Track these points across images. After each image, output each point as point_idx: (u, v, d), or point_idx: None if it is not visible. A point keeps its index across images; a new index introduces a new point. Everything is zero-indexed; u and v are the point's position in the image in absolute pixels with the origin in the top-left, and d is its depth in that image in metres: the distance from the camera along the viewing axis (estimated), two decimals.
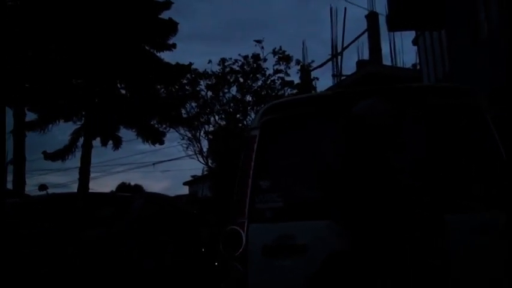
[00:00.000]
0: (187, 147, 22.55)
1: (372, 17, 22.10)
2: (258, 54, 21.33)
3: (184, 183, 35.87)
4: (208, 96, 21.70)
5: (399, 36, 28.90)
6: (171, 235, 7.90)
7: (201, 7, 59.38)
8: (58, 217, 7.07)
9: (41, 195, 8.85)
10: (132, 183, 22.90)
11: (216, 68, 21.69)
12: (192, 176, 30.65)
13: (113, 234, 6.51)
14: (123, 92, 15.46)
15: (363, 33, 22.49)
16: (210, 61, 21.45)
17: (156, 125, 18.00)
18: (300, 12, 63.18)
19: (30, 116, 14.30)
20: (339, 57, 22.05)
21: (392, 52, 21.87)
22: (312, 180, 3.83)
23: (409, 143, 3.60)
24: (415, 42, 19.24)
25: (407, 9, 15.08)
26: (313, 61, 22.31)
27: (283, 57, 21.33)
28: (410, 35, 20.24)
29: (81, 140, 14.66)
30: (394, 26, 17.02)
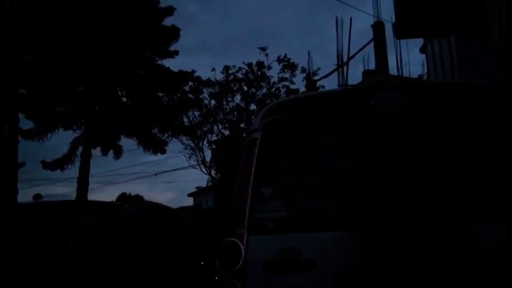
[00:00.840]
0: (190, 157, 22.19)
1: (378, 27, 21.78)
2: (263, 62, 21.05)
3: (189, 195, 35.60)
4: (212, 105, 21.38)
5: (405, 47, 28.59)
6: (167, 246, 7.53)
7: (206, 19, 59.55)
8: (44, 224, 6.83)
9: (31, 202, 8.56)
10: (133, 194, 22.56)
11: (220, 76, 21.41)
12: (197, 188, 30.26)
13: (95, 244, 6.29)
14: (124, 99, 15.18)
15: (369, 42, 22.11)
16: (213, 69, 21.20)
17: (158, 134, 17.69)
18: (304, 25, 63.20)
19: (24, 124, 13.94)
20: (345, 67, 21.70)
21: (399, 63, 21.48)
22: (320, 187, 3.47)
23: (428, 141, 3.23)
24: (422, 50, 18.89)
25: (415, 16, 14.76)
26: (319, 69, 21.93)
27: (288, 65, 21.02)
28: (416, 46, 19.92)
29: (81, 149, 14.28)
30: (401, 33, 16.66)
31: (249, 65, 20.83)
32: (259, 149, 3.65)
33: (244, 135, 21.18)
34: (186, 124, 19.43)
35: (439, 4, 14.02)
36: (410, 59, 26.45)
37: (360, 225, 3.07)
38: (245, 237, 3.43)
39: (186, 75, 15.01)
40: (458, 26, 13.42)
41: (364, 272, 2.98)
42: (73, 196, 16.96)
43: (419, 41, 19.06)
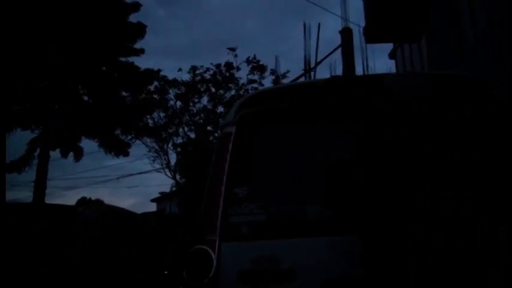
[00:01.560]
0: (154, 160, 21.51)
1: (346, 33, 21.74)
2: (231, 63, 20.60)
3: (152, 200, 34.83)
4: (177, 106, 20.78)
5: (372, 55, 28.72)
6: (128, 251, 7.03)
7: (173, 24, 58.89)
8: None
9: None
10: (94, 198, 21.75)
11: (187, 77, 20.85)
12: (160, 193, 29.54)
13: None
14: (86, 98, 14.51)
15: (337, 48, 22.07)
16: (180, 69, 20.65)
17: (121, 135, 17.02)
18: (273, 32, 63.22)
19: None
20: (312, 72, 21.52)
21: (366, 69, 21.44)
22: (302, 187, 3.07)
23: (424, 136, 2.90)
24: (392, 55, 18.83)
25: (386, 20, 14.67)
26: (288, 71, 21.63)
27: (257, 67, 20.64)
28: (385, 52, 19.93)
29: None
30: (371, 38, 16.56)
31: (217, 65, 20.38)
32: (234, 144, 3.24)
33: (211, 138, 20.70)
34: (151, 125, 18.85)
35: (410, 9, 13.94)
36: (378, 65, 26.42)
37: (357, 227, 2.69)
38: (217, 244, 3.00)
39: (152, 74, 14.49)
40: (429, 31, 13.34)
41: (366, 277, 2.60)
42: (30, 200, 16.20)
43: (387, 47, 19.05)
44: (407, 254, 2.50)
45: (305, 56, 21.93)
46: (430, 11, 13.12)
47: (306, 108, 3.27)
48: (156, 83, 18.40)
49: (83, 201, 21.07)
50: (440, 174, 2.85)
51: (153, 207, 34.72)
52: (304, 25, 21.34)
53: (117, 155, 17.34)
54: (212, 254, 2.95)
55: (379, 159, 2.82)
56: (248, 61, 20.67)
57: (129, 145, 17.71)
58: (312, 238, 2.95)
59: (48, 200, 15.81)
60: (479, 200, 2.83)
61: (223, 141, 3.29)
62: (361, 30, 16.43)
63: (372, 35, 16.01)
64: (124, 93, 15.54)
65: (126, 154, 17.75)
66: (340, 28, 23.38)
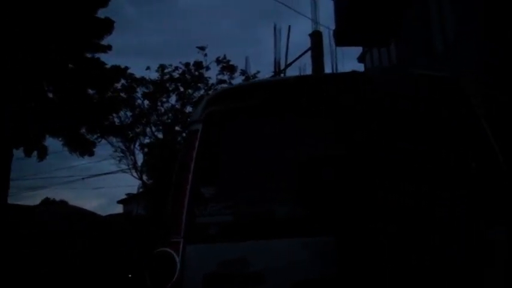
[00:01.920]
0: (120, 161, 21.07)
1: (315, 36, 21.84)
2: (201, 62, 20.33)
3: (119, 202, 34.23)
4: (145, 106, 20.41)
5: (341, 58, 28.97)
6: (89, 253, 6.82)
7: (144, 23, 58.19)
8: None
9: None
10: (58, 199, 21.24)
11: (155, 76, 20.49)
12: (127, 194, 29.01)
13: None
14: (51, 95, 14.10)
15: (307, 51, 22.17)
16: (148, 67, 20.25)
17: (86, 134, 16.60)
18: (243, 35, 63.19)
19: None
20: (282, 75, 21.50)
21: (335, 72, 21.60)
22: (272, 186, 2.95)
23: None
24: (361, 59, 18.94)
25: (356, 24, 14.72)
26: (258, 72, 21.50)
27: (227, 67, 20.42)
28: (351, 57, 20.09)
29: None
30: (341, 41, 16.63)
31: (186, 64, 20.06)
32: (200, 142, 3.10)
33: (179, 138, 20.42)
34: (117, 124, 18.46)
35: (380, 13, 14.02)
36: (347, 68, 26.64)
37: (329, 227, 2.59)
38: (181, 246, 2.86)
39: (119, 72, 14.14)
40: (399, 35, 13.43)
41: (339, 278, 2.50)
42: None
43: (357, 51, 19.17)
44: (380, 252, 2.40)
45: (275, 58, 21.89)
46: (400, 15, 13.22)
47: (276, 105, 3.16)
48: (123, 81, 18.09)
49: (46, 201, 20.56)
50: (416, 171, 2.77)
51: (119, 209, 34.18)
52: (275, 27, 21.24)
53: (82, 154, 16.93)
54: (176, 256, 2.80)
55: (351, 157, 2.73)
56: (218, 61, 20.46)
57: (94, 144, 17.31)
58: (283, 239, 2.83)
59: (11, 201, 15.34)
60: (458, 196, 2.78)
61: (190, 139, 3.15)
62: (331, 33, 16.51)
63: (342, 38, 16.07)
64: (90, 91, 15.19)
65: (91, 154, 17.34)
66: (310, 31, 23.48)
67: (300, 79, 3.34)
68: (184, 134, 20.15)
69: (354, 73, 3.15)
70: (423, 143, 2.92)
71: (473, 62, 8.48)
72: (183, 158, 3.12)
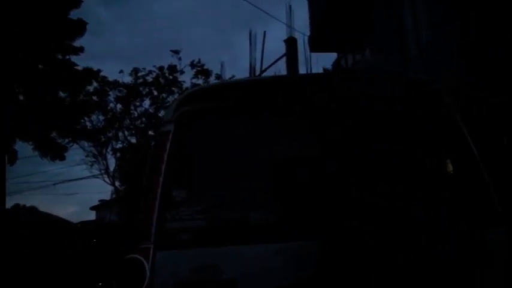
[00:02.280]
0: (92, 165, 20.67)
1: (290, 42, 21.88)
2: (175, 66, 20.12)
3: (92, 208, 33.65)
4: (118, 109, 20.08)
5: (316, 64, 29.05)
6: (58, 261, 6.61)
7: (117, 27, 57.54)
8: None
9: None
10: (28, 205, 20.69)
11: (128, 79, 20.19)
12: (100, 200, 28.53)
13: None
14: (22, 97, 13.74)
15: (282, 57, 22.17)
16: (121, 71, 19.94)
17: (57, 138, 16.23)
18: (219, 40, 63.09)
19: None
20: None
21: None
22: (247, 190, 2.86)
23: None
24: (335, 65, 19.01)
25: (330, 30, 14.81)
26: (233, 76, 21.42)
27: (202, 71, 20.24)
28: (326, 63, 20.18)
29: None
30: (316, 47, 16.71)
31: (160, 68, 19.84)
32: (172, 144, 2.97)
33: (152, 143, 20.14)
34: (89, 128, 18.11)
35: (354, 18, 14.10)
36: None
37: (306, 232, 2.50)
38: (151, 252, 2.72)
39: (91, 74, 13.86)
40: (373, 41, 13.50)
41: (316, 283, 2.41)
42: None
43: (331, 57, 19.23)
44: (361, 254, 2.32)
45: (250, 64, 21.84)
46: (373, 21, 13.29)
47: (251, 105, 3.06)
48: (95, 85, 17.77)
49: (16, 207, 20.03)
50: (390, 170, 2.71)
51: (92, 216, 33.63)
52: (250, 33, 21.21)
53: (52, 159, 16.54)
54: (145, 263, 2.67)
55: (326, 158, 2.65)
56: (192, 65, 20.28)
57: (65, 149, 16.95)
58: (257, 245, 2.73)
59: None
60: (436, 196, 2.73)
61: (161, 141, 3.03)
62: (306, 39, 16.54)
63: (316, 44, 16.16)
64: (62, 94, 14.86)
65: (62, 158, 16.97)
66: (285, 37, 23.53)
67: (275, 79, 3.26)
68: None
69: (329, 73, 3.09)
70: (398, 143, 2.87)
71: (452, 63, 8.53)
72: (154, 160, 3.00)
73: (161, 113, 20.22)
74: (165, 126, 3.08)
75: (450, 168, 3.16)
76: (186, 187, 2.92)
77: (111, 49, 47.68)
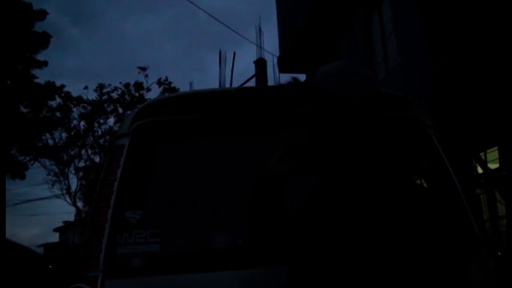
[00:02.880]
0: (53, 185, 19.97)
1: (260, 63, 21.95)
2: (141, 83, 19.73)
3: (55, 230, 32.70)
4: (81, 127, 19.52)
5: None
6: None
7: (86, 45, 56.90)
8: None
9: None
10: None
11: (93, 96, 19.67)
12: (64, 222, 27.70)
13: None
14: None
15: (251, 77, 22.16)
16: (86, 87, 19.42)
17: (18, 156, 15.61)
18: (187, 61, 63.09)
19: None
20: None
21: None
22: (209, 211, 2.57)
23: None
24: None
25: (299, 52, 14.92)
26: None
27: (169, 89, 19.89)
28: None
29: None
30: (285, 67, 16.82)
31: (126, 85, 19.37)
32: (127, 159, 2.67)
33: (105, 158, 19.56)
34: (51, 146, 17.49)
35: (322, 40, 14.13)
36: None
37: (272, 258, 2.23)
38: (99, 281, 2.39)
39: (53, 88, 13.37)
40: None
41: None
42: None
43: (301, 78, 19.24)
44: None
45: (220, 84, 21.76)
46: (342, 43, 13.31)
47: (216, 119, 2.79)
48: (59, 100, 17.23)
49: None
50: (363, 191, 2.49)
51: (56, 238, 32.68)
52: (220, 53, 21.05)
53: (12, 177, 15.87)
54: None
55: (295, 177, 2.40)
56: (159, 82, 19.94)
57: (26, 167, 16.30)
58: (219, 272, 2.44)
59: None
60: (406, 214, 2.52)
61: (114, 155, 2.72)
62: (276, 60, 16.54)
63: (286, 65, 16.26)
64: (23, 109, 14.30)
65: (23, 177, 16.31)
66: (255, 59, 23.60)
67: (245, 90, 3.01)
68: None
69: (298, 83, 2.86)
70: (370, 163, 2.66)
71: (419, 85, 8.51)
72: (106, 177, 2.69)
73: None
74: (119, 139, 2.78)
75: (427, 190, 2.99)
76: (141, 207, 2.61)
77: (79, 67, 47.09)
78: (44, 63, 12.85)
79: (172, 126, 2.79)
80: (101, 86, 19.16)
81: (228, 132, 2.78)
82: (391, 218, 2.26)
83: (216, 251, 2.55)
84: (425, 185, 3.07)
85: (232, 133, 2.78)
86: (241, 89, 2.99)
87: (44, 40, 11.98)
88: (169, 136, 2.80)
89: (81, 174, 20.29)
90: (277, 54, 16.96)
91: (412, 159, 3.03)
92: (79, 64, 52.19)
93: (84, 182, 20.40)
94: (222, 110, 2.79)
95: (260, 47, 21.00)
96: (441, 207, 2.74)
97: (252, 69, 21.55)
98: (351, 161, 2.07)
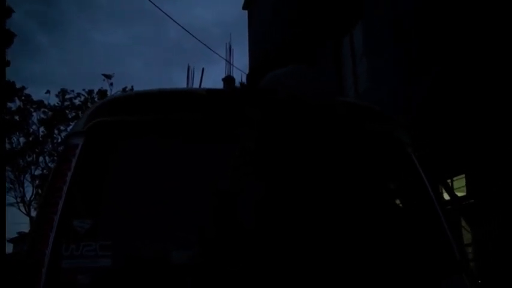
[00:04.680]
0: (7, 192, 19.12)
1: (228, 80, 21.88)
2: (105, 91, 19.21)
3: (9, 241, 31.40)
4: (41, 133, 18.82)
5: None
6: None
7: (54, 53, 55.80)
8: None
9: None
10: None
11: (55, 101, 19.00)
12: (18, 233, 26.63)
13: None
14: None
15: None
16: (48, 91, 18.73)
17: None
18: (155, 75, 62.65)
19: None
20: None
21: None
22: (167, 221, 2.31)
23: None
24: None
25: (268, 70, 14.80)
26: None
27: None
28: None
29: None
30: (254, 84, 16.63)
31: (90, 92, 18.81)
32: (79, 161, 2.37)
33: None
34: (7, 150, 16.78)
35: (292, 59, 14.06)
36: None
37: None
38: None
39: (12, 89, 12.78)
40: None
41: None
42: None
43: None
44: None
45: None
46: (314, 63, 13.28)
47: (182, 120, 2.52)
48: (19, 103, 16.57)
49: None
50: (336, 210, 2.31)
51: (9, 249, 31.42)
52: (188, 69, 20.76)
53: None
54: None
55: (261, 188, 2.21)
56: (124, 91, 19.47)
57: None
58: None
59: None
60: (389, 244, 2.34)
61: (65, 156, 2.42)
62: (245, 77, 16.42)
63: (255, 83, 16.08)
64: None
65: None
66: (224, 76, 23.48)
67: (216, 90, 2.77)
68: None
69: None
70: (345, 181, 2.47)
71: (389, 109, 8.47)
72: (54, 179, 2.38)
73: None
74: (72, 138, 2.47)
75: (405, 213, 2.81)
76: (92, 216, 2.30)
77: (45, 74, 46.17)
78: (6, 64, 12.31)
79: (134, 126, 2.51)
80: (63, 92, 18.54)
81: (193, 135, 2.52)
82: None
83: (174, 266, 2.26)
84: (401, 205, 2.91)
85: (198, 136, 2.52)
86: (211, 90, 2.74)
87: (8, 38, 11.46)
88: (130, 137, 2.51)
89: (37, 182, 19.48)
90: (247, 72, 16.89)
91: (385, 178, 2.86)
92: (44, 71, 51.12)
93: (40, 191, 19.62)
94: (189, 111, 2.53)
95: (230, 62, 20.81)
96: (413, 228, 2.59)
97: (220, 87, 21.38)
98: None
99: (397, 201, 2.90)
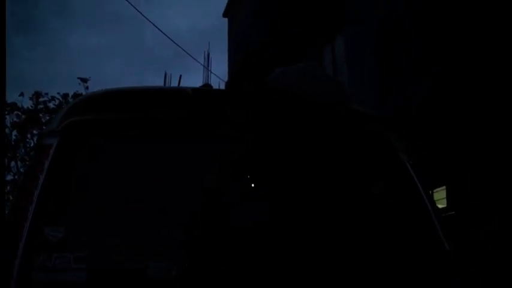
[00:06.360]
0: None
1: (206, 88, 21.94)
2: (81, 95, 18.80)
3: None
4: (13, 137, 18.30)
5: None
6: None
7: (30, 56, 54.99)
8: None
9: None
10: None
11: (28, 104, 18.52)
12: None
13: None
14: None
15: None
16: (22, 94, 18.24)
17: None
18: (132, 80, 62.27)
19: None
20: None
21: None
22: (147, 232, 2.12)
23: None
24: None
25: (247, 78, 14.76)
26: None
27: None
28: None
29: None
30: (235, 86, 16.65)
31: (65, 96, 18.37)
32: (53, 163, 2.17)
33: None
34: None
35: (271, 66, 14.03)
36: None
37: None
38: None
39: None
40: None
41: None
42: None
43: None
44: None
45: None
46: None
47: (161, 119, 2.35)
48: None
49: None
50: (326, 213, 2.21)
51: None
52: (165, 75, 20.70)
53: None
54: None
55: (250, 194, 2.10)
56: None
57: None
58: None
59: None
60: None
61: (38, 157, 2.22)
62: (224, 85, 16.37)
63: (236, 86, 16.07)
64: None
65: None
66: (202, 83, 23.51)
67: (197, 89, 2.61)
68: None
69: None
70: (335, 183, 2.36)
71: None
72: (26, 182, 2.18)
73: None
74: (46, 138, 2.28)
75: (395, 208, 2.69)
76: (65, 224, 2.10)
77: (19, 76, 45.36)
78: None
79: (111, 125, 2.32)
80: (37, 94, 18.06)
81: (176, 135, 2.35)
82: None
83: (153, 280, 2.08)
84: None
85: (181, 137, 2.35)
86: (197, 90, 2.59)
87: None
88: (108, 138, 2.32)
89: (8, 188, 18.92)
90: (225, 80, 16.82)
91: (380, 184, 2.76)
92: (18, 74, 50.28)
93: (11, 197, 19.08)
94: (168, 108, 2.36)
95: (208, 69, 20.74)
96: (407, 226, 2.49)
97: None
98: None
99: (387, 202, 2.81)
